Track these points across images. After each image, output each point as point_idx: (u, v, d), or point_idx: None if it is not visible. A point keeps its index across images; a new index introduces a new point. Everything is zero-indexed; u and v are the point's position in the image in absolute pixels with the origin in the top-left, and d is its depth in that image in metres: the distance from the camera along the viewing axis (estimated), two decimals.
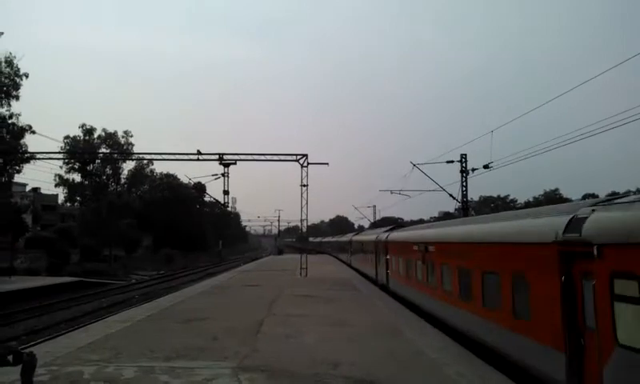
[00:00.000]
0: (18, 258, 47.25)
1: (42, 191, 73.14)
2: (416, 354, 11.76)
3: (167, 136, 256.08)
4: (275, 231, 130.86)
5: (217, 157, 36.39)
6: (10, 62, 41.49)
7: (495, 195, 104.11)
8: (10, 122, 42.57)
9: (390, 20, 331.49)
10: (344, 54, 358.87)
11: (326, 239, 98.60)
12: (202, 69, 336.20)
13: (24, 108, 58.00)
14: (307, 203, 36.26)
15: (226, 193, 38.16)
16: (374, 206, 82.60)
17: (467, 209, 33.55)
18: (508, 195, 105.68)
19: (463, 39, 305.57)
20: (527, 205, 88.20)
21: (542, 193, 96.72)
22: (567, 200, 72.52)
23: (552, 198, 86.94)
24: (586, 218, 7.66)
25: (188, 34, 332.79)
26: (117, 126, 71.84)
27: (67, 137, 61.27)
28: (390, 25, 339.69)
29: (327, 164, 37.89)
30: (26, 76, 42.49)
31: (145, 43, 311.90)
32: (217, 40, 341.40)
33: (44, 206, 75.78)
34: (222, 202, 39.78)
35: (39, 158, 42.24)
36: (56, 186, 63.14)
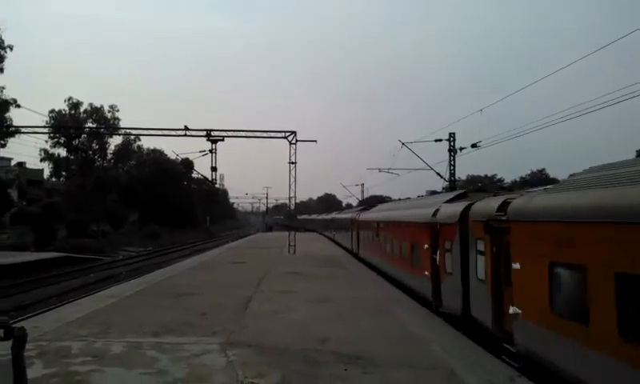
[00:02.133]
0: (5, 234, 46.96)
1: (28, 166, 72.43)
2: (402, 331, 11.94)
3: (154, 112, 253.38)
4: (263, 208, 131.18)
5: (204, 133, 36.12)
6: None
7: (483, 175, 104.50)
8: None
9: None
10: (333, 30, 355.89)
11: (321, 216, 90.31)
12: (187, 43, 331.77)
13: (8, 81, 57.01)
14: (295, 181, 36.30)
15: (213, 169, 37.98)
16: (362, 184, 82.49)
17: (455, 188, 33.67)
18: (495, 175, 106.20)
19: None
20: (513, 184, 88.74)
21: (528, 173, 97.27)
22: (554, 181, 73.07)
23: (538, 177, 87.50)
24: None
25: (170, 7, 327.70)
26: (102, 101, 70.87)
27: (52, 111, 60.72)
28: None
29: (315, 141, 37.82)
30: (11, 48, 41.84)
31: (131, 16, 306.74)
32: (201, 13, 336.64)
33: (29, 180, 74.97)
34: (210, 179, 39.58)
35: (24, 132, 41.82)
36: (41, 160, 62.63)
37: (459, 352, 10.11)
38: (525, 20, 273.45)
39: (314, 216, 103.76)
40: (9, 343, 6.83)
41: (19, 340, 6.71)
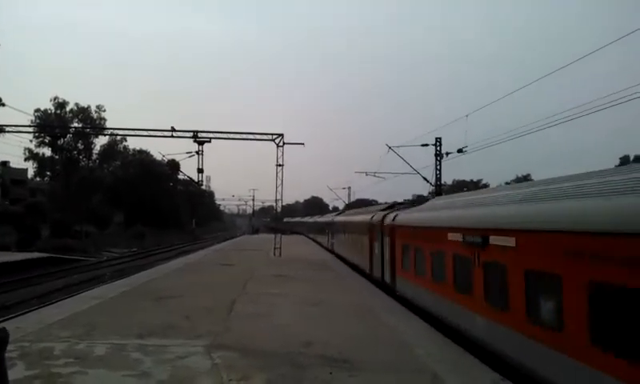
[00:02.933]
0: None
1: (12, 165, 71.63)
2: (388, 334, 11.96)
3: (141, 112, 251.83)
4: (250, 211, 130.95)
5: (191, 134, 35.99)
6: None
7: (468, 179, 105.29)
8: None
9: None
10: (320, 32, 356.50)
11: (313, 219, 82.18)
12: (174, 45, 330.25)
13: None
14: (282, 183, 36.28)
15: (200, 171, 37.85)
16: (349, 188, 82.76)
17: (441, 193, 33.88)
18: (481, 180, 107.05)
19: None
20: None
21: (513, 178, 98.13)
22: None
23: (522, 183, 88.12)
24: None
25: (157, 9, 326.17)
26: (88, 101, 70.32)
27: (38, 110, 60.22)
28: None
29: (303, 144, 37.98)
30: None
31: (119, 19, 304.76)
32: (188, 15, 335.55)
33: (13, 180, 74.21)
34: (196, 180, 39.41)
35: (8, 131, 41.23)
36: (26, 159, 62.05)
37: (444, 356, 10.15)
38: (516, 22, 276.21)
39: (306, 218, 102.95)
40: None
41: (0, 341, 6.62)
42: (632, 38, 14.06)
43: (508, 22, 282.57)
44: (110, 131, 59.64)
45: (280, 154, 35.30)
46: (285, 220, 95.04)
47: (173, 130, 35.64)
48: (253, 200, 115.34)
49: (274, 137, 35.34)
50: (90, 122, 61.54)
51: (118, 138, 65.64)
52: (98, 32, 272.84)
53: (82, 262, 40.54)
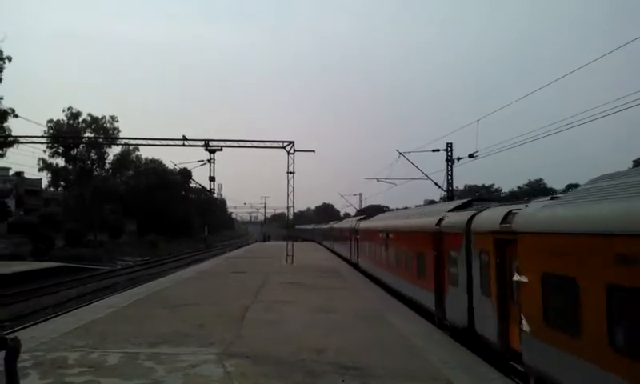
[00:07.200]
0: (2, 244, 46.85)
1: (26, 175, 72.35)
2: (400, 341, 11.90)
3: (153, 122, 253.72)
4: (262, 218, 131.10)
5: (203, 142, 36.20)
6: None
7: (480, 184, 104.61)
8: None
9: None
10: (331, 39, 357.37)
11: (338, 225, 63.10)
12: (186, 55, 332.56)
13: (7, 92, 57.30)
14: (294, 190, 36.32)
15: (211, 179, 38.05)
16: (360, 194, 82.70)
17: (452, 197, 33.69)
18: (492, 184, 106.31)
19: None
20: (512, 194, 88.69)
21: (526, 182, 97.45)
22: (551, 190, 73.22)
23: (536, 187, 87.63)
24: None
25: (169, 17, 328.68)
26: (101, 112, 70.82)
27: (51, 120, 60.62)
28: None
29: (314, 151, 38.21)
30: (9, 59, 41.85)
31: (130, 28, 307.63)
32: (200, 25, 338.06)
33: (27, 190, 75.06)
34: (208, 188, 39.63)
35: (22, 142, 41.76)
36: (40, 170, 62.62)
37: (458, 364, 10.07)
38: (521, 25, 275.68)
39: (320, 225, 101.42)
40: (2, 354, 6.79)
41: (12, 351, 6.67)
42: None
43: (514, 23, 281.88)
44: (122, 141, 60.19)
45: (291, 161, 35.39)
46: (297, 227, 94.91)
47: (184, 138, 35.90)
48: (264, 207, 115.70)
49: (285, 144, 35.43)
50: (104, 131, 61.97)
51: (131, 147, 66.04)
52: (108, 42, 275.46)
53: (95, 271, 40.71)
